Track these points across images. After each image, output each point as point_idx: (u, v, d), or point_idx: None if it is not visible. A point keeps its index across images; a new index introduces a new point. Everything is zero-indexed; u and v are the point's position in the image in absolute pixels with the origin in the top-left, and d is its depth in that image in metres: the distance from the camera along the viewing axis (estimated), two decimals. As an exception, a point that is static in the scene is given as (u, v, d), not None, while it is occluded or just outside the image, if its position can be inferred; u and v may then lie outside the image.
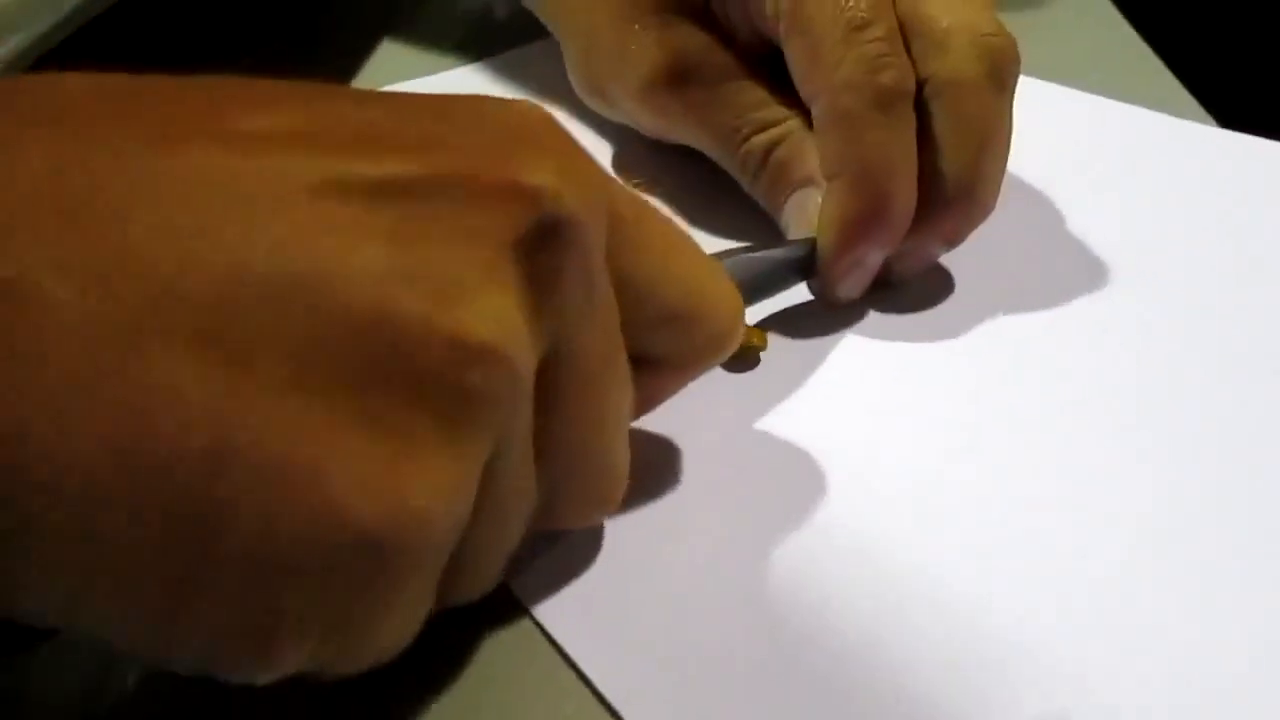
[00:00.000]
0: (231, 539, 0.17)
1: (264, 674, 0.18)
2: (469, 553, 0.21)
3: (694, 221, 0.35)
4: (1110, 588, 0.24)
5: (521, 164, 0.19)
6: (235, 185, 0.17)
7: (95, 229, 0.16)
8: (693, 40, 0.33)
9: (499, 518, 0.21)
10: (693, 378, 0.25)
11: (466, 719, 0.23)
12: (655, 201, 0.36)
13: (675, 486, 0.27)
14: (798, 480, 0.27)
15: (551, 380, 0.21)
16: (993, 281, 0.33)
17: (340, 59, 0.46)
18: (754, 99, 0.33)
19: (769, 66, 0.33)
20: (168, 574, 0.17)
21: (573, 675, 0.23)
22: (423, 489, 0.18)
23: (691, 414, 0.28)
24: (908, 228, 0.30)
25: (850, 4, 0.29)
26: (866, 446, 0.28)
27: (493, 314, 0.19)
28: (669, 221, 0.24)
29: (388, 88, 0.42)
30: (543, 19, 0.39)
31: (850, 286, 0.31)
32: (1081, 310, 0.32)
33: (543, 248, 0.19)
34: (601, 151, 0.39)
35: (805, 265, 0.31)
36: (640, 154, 0.38)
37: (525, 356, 0.19)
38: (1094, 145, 0.39)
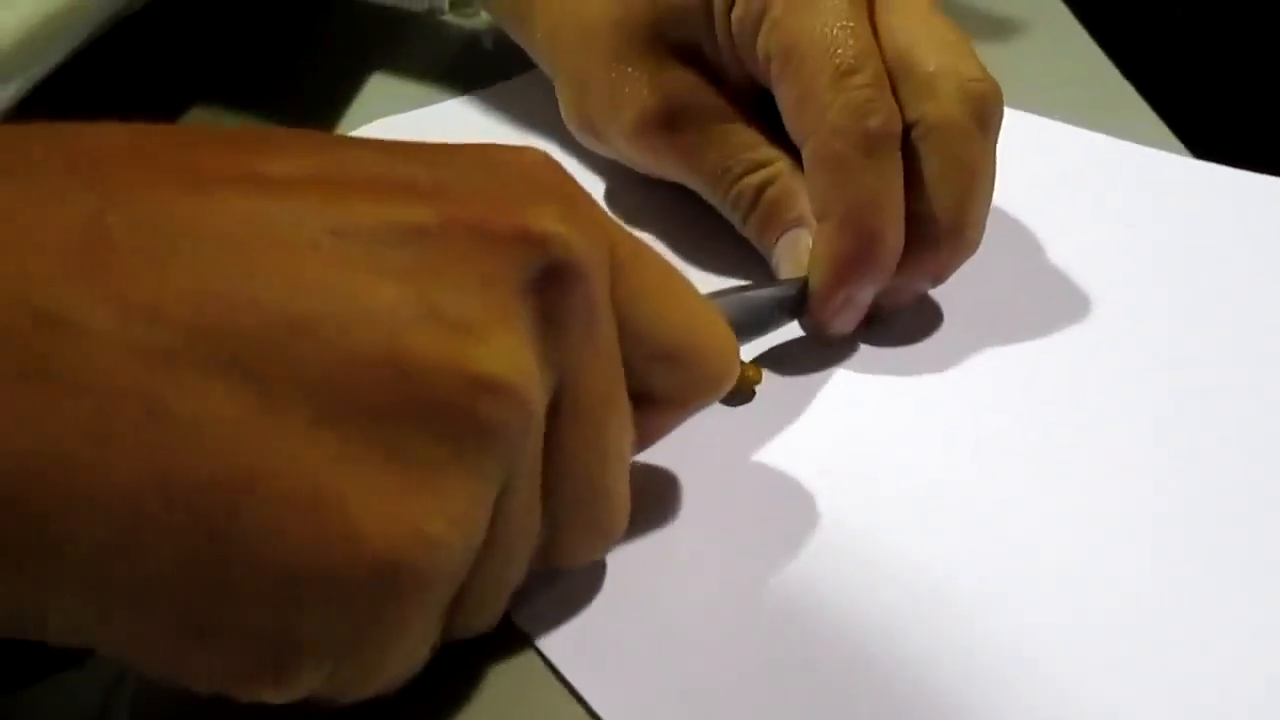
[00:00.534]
0: (253, 564, 0.18)
1: (279, 695, 0.19)
2: (476, 587, 0.21)
3: (686, 258, 0.36)
4: (1108, 619, 0.25)
5: (530, 210, 0.20)
6: (263, 228, 0.18)
7: (134, 267, 0.17)
8: (685, 82, 0.34)
9: (506, 552, 0.22)
10: (689, 414, 0.26)
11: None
12: (648, 238, 0.37)
13: (674, 519, 0.28)
14: (794, 512, 0.28)
15: (557, 418, 0.21)
16: (977, 312, 0.34)
17: (329, 92, 0.46)
18: (745, 140, 0.34)
19: (759, 108, 0.34)
20: (191, 597, 0.18)
21: (577, 706, 0.24)
22: (437, 517, 0.19)
23: (690, 447, 0.28)
24: (894, 266, 0.31)
25: (839, 50, 0.30)
26: (861, 477, 0.29)
27: (505, 351, 0.19)
28: (666, 264, 0.24)
29: (379, 120, 0.43)
30: (535, 57, 0.40)
31: (842, 323, 0.32)
32: (1064, 338, 0.33)
33: (550, 289, 0.21)
34: (594, 186, 0.39)
35: (797, 304, 0.32)
36: (632, 189, 0.38)
37: (536, 391, 0.20)
38: (1070, 175, 0.40)
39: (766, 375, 0.32)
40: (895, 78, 0.31)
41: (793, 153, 0.33)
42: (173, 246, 0.18)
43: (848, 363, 0.32)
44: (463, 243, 0.20)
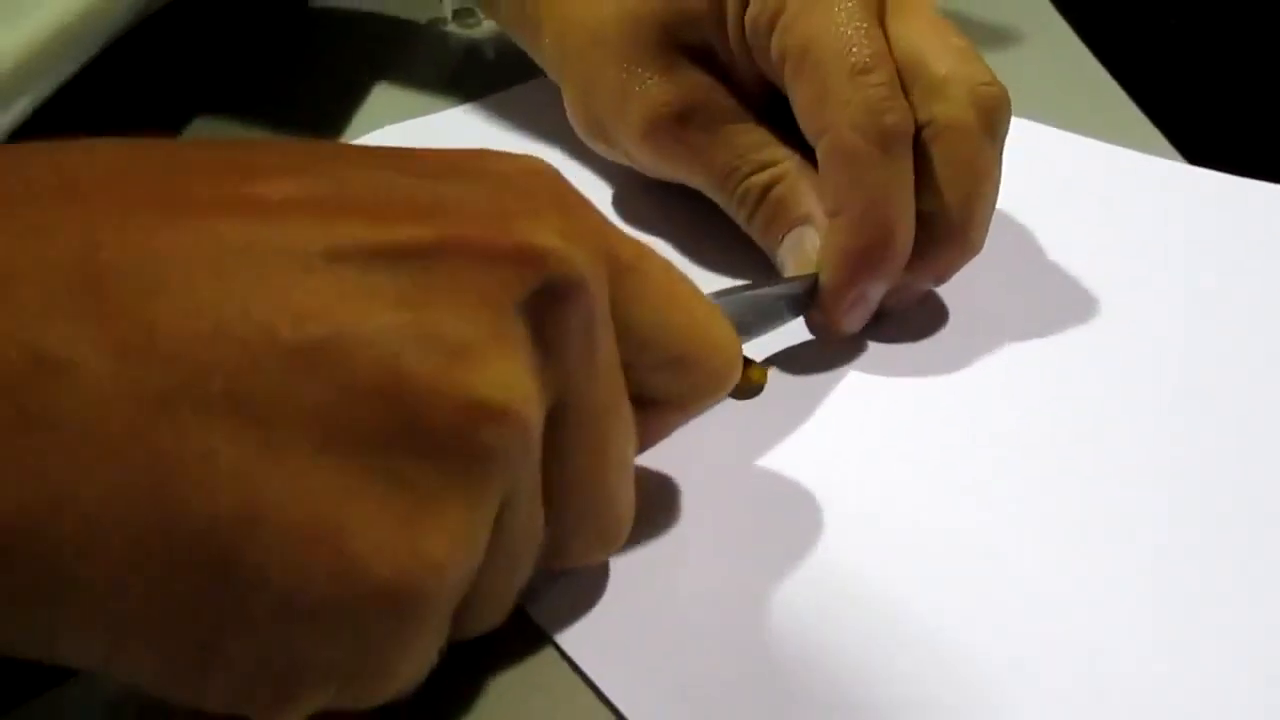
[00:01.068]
0: (260, 596, 0.18)
1: (288, 716, 0.19)
2: (482, 591, 0.21)
3: (693, 260, 0.36)
4: (1114, 612, 0.26)
5: (527, 225, 0.20)
6: (256, 254, 0.18)
7: (127, 304, 0.17)
8: (695, 83, 0.35)
9: (509, 560, 0.22)
10: (692, 416, 0.26)
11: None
12: (655, 241, 0.37)
13: (684, 515, 0.28)
14: (798, 507, 0.28)
15: (559, 429, 0.21)
16: (980, 311, 0.34)
17: (333, 101, 0.46)
18: (753, 140, 0.34)
19: (767, 110, 0.34)
20: (199, 628, 0.18)
21: (590, 695, 0.24)
22: (438, 541, 0.19)
23: (700, 445, 0.29)
24: (904, 264, 0.31)
25: (854, 49, 0.31)
26: (864, 474, 0.29)
27: (503, 376, 0.19)
28: (669, 267, 0.24)
29: (383, 129, 0.43)
30: (539, 61, 0.40)
31: (853, 320, 0.32)
32: (1066, 338, 0.33)
33: (548, 307, 0.20)
34: (600, 189, 0.40)
35: (803, 301, 0.32)
36: (638, 193, 0.39)
37: (533, 413, 0.20)
38: (1068, 180, 0.40)
39: (775, 375, 0.32)
40: (906, 80, 0.31)
41: (799, 154, 0.33)
42: (164, 279, 0.17)
43: (856, 362, 0.33)
44: (459, 262, 0.19)
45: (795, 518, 0.28)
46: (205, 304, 0.18)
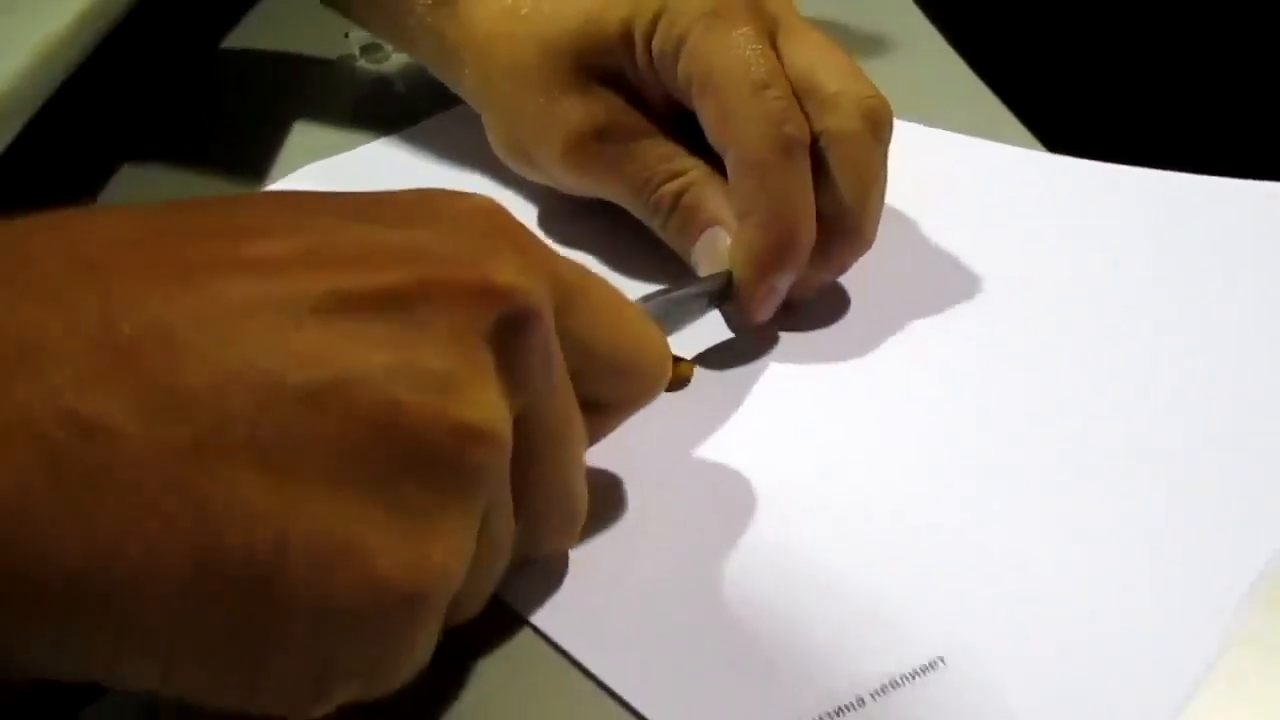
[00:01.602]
0: (296, 614, 0.20)
1: (319, 712, 0.22)
2: (469, 586, 0.24)
3: (615, 269, 0.39)
4: (1012, 574, 0.29)
5: (491, 265, 0.23)
6: (256, 310, 0.20)
7: (149, 369, 0.19)
8: (608, 104, 0.37)
9: (491, 556, 0.25)
10: (629, 416, 0.30)
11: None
12: (580, 255, 0.40)
13: (630, 503, 0.31)
14: (727, 484, 0.32)
15: (523, 439, 0.24)
16: (875, 299, 0.38)
17: (254, 142, 0.47)
18: (664, 152, 0.37)
19: (676, 126, 0.37)
20: (244, 647, 0.20)
21: (569, 666, 0.27)
22: (441, 550, 0.22)
23: (640, 438, 0.32)
24: (808, 258, 0.35)
25: (753, 68, 0.34)
26: (783, 452, 0.33)
27: (482, 402, 0.22)
28: (609, 287, 0.28)
29: (307, 167, 0.45)
30: (459, 92, 0.42)
31: (765, 310, 0.35)
32: (951, 319, 0.37)
33: (512, 334, 0.23)
34: (525, 210, 0.42)
35: (719, 296, 0.35)
36: (561, 211, 0.42)
37: (506, 429, 0.23)
38: (942, 173, 0.44)
39: (701, 370, 0.35)
40: (801, 96, 0.35)
41: (707, 163, 0.37)
42: (178, 341, 0.19)
43: (771, 353, 0.36)
44: (436, 303, 0.22)
45: (726, 494, 0.31)
46: (216, 360, 0.20)
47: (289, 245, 0.21)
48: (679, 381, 0.35)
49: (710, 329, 0.36)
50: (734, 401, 0.34)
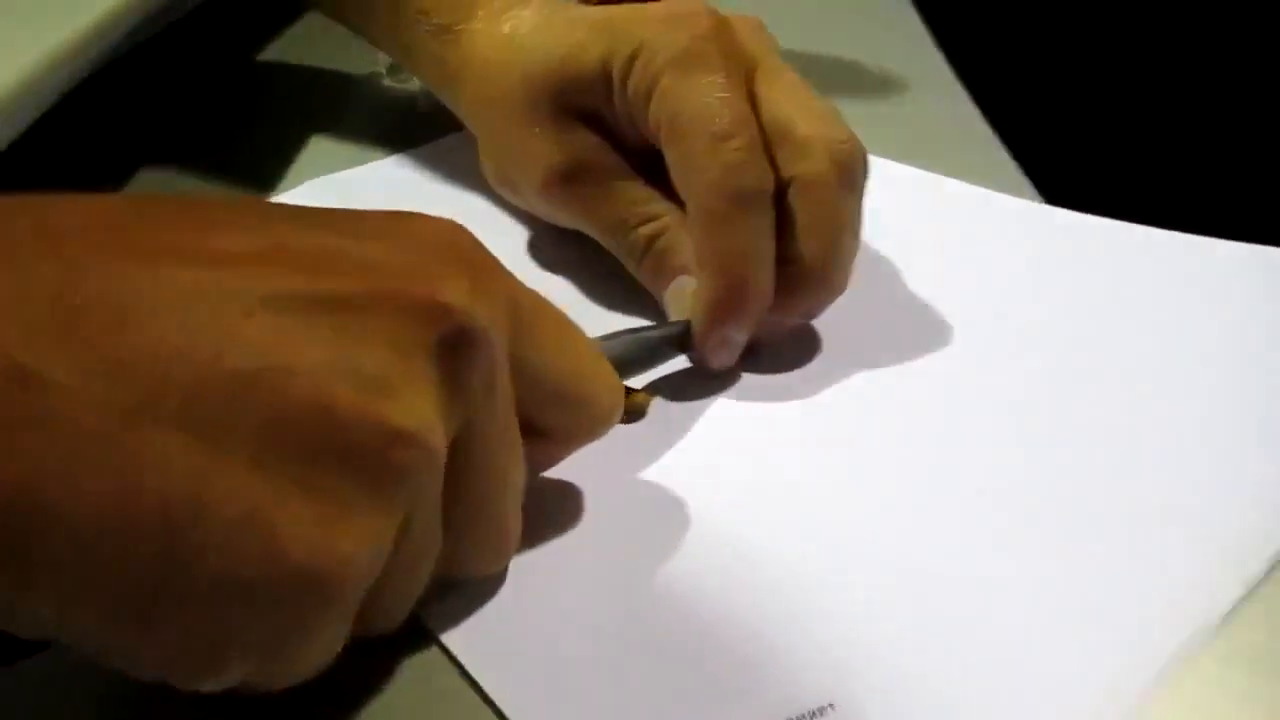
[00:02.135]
0: (198, 573, 0.21)
1: (211, 684, 0.23)
2: (384, 593, 0.25)
3: (594, 299, 0.40)
4: (954, 610, 0.29)
5: (439, 284, 0.24)
6: (208, 296, 0.22)
7: (97, 332, 0.21)
8: (586, 143, 0.38)
9: (410, 565, 0.26)
10: (577, 448, 0.31)
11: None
12: (562, 282, 0.41)
13: (573, 528, 0.32)
14: (676, 518, 0.32)
15: (459, 456, 0.25)
16: (847, 342, 0.38)
17: (273, 153, 0.49)
18: (639, 195, 0.38)
19: (653, 168, 0.38)
20: (144, 599, 0.21)
21: (474, 694, 0.28)
22: (348, 540, 0.23)
23: (589, 463, 0.32)
24: (766, 307, 0.35)
25: (716, 118, 0.35)
26: (736, 488, 0.33)
27: (414, 407, 0.23)
28: (563, 317, 0.29)
29: (311, 181, 0.46)
30: (458, 115, 0.44)
31: (721, 359, 0.36)
32: (920, 366, 0.37)
33: (454, 352, 0.24)
34: (517, 233, 0.43)
35: (683, 342, 0.36)
36: (549, 239, 0.43)
37: (438, 441, 0.24)
38: (930, 217, 0.44)
39: (658, 401, 0.36)
40: (773, 142, 0.35)
41: (682, 208, 0.37)
42: (128, 313, 0.21)
43: (728, 391, 0.37)
44: (381, 312, 0.23)
45: (670, 526, 0.32)
46: (164, 336, 0.21)
47: (252, 242, 0.23)
48: (634, 412, 0.36)
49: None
50: (684, 433, 0.35)
